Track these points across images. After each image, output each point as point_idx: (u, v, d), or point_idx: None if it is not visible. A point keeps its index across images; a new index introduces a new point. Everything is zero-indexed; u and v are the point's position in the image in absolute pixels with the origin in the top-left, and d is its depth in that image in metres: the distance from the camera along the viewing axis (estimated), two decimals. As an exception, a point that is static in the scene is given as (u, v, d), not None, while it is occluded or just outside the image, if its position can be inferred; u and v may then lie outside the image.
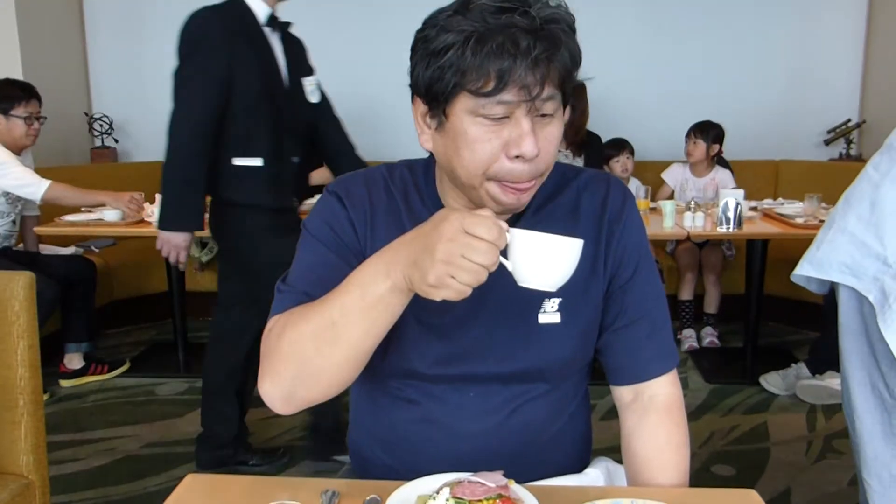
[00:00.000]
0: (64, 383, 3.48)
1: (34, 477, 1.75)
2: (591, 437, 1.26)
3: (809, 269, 1.45)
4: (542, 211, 1.11)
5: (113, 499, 2.50)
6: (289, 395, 0.99)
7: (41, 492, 1.77)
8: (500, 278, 1.08)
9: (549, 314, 1.10)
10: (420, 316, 1.08)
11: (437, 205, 1.10)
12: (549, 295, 1.09)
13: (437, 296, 0.86)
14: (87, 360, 3.54)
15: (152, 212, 3.44)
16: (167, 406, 3.29)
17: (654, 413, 1.14)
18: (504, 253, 0.88)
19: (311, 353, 0.95)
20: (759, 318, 3.61)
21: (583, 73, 1.01)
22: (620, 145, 4.15)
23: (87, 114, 4.88)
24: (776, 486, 2.56)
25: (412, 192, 1.12)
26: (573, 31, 0.97)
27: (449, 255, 0.83)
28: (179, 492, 1.07)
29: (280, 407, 1.01)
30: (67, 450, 2.86)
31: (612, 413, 1.20)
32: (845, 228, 1.39)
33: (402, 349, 1.09)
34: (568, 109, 1.02)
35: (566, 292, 1.10)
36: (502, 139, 0.96)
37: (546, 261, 0.90)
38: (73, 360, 3.50)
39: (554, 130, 0.99)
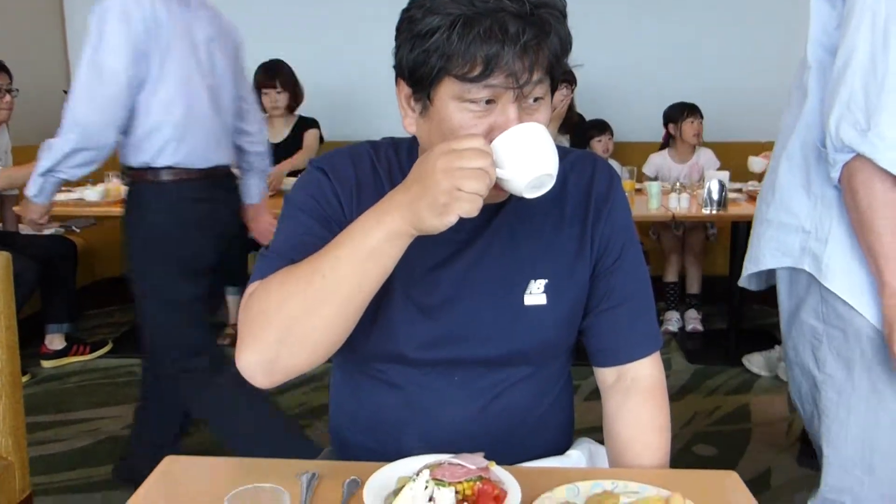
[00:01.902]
0: (45, 364, 3.45)
1: (13, 458, 1.74)
2: (574, 421, 1.26)
3: (748, 268, 1.51)
4: None
5: (95, 479, 2.49)
6: (272, 362, 0.94)
7: (21, 473, 1.75)
8: (487, 259, 1.08)
9: (535, 295, 1.09)
10: (406, 295, 1.07)
11: None
12: (535, 275, 1.09)
13: (452, 213, 0.86)
14: (69, 340, 3.51)
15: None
16: (150, 387, 3.27)
17: (637, 395, 1.13)
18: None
19: (299, 312, 0.92)
20: (742, 300, 3.63)
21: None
22: (601, 126, 4.14)
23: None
24: (757, 467, 2.59)
25: (396, 172, 1.11)
26: (564, 16, 0.95)
27: (449, 169, 0.84)
28: (157, 473, 1.06)
29: (261, 378, 0.96)
30: (49, 430, 2.84)
31: (596, 394, 1.19)
32: (764, 219, 1.47)
33: (388, 330, 1.08)
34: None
35: (552, 273, 1.09)
36: (487, 125, 0.94)
37: (529, 146, 0.92)
38: (55, 341, 3.47)
39: (542, 117, 0.97)
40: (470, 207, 0.86)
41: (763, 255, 1.47)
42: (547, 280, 1.09)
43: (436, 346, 1.09)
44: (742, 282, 1.57)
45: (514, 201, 1.08)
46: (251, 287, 1.00)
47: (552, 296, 1.09)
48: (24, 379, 3.23)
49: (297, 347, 0.94)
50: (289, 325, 0.93)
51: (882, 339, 1.30)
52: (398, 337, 1.09)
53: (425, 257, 1.07)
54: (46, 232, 3.83)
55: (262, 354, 0.94)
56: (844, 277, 1.32)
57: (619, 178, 1.16)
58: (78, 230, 4.10)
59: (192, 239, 2.23)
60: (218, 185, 2.29)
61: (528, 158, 0.92)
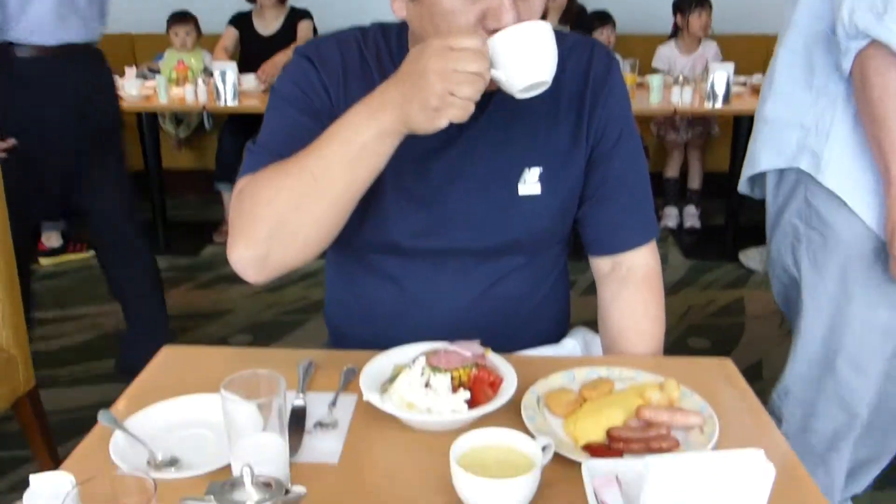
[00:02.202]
0: (44, 261, 3.45)
1: (15, 351, 1.75)
2: (570, 312, 1.26)
3: (746, 171, 1.48)
4: None
5: (99, 373, 2.54)
6: (263, 258, 0.94)
7: (24, 366, 1.78)
8: (480, 148, 1.05)
9: (530, 185, 1.06)
10: (398, 184, 1.05)
11: None
12: (530, 164, 1.06)
13: (443, 118, 0.84)
14: (65, 238, 3.50)
15: (122, 85, 3.32)
16: (149, 284, 3.29)
17: (632, 284, 1.13)
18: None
19: (289, 209, 0.91)
20: (742, 196, 3.60)
21: None
22: (604, 17, 3.99)
23: None
24: (748, 359, 2.64)
25: (385, 58, 1.06)
26: None
27: (443, 71, 0.81)
28: (156, 363, 1.07)
29: (253, 273, 0.97)
30: (51, 326, 2.87)
31: (592, 289, 1.19)
32: (761, 117, 1.42)
33: (379, 219, 1.06)
34: None
35: (547, 162, 1.06)
36: (479, 10, 0.90)
37: (530, 49, 0.88)
38: (51, 238, 3.46)
39: (536, 1, 0.93)
40: (461, 114, 0.83)
41: (760, 156, 1.43)
42: (541, 168, 1.06)
43: (428, 235, 1.07)
44: (742, 188, 1.54)
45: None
46: (241, 183, 0.99)
47: (546, 185, 1.07)
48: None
49: (287, 244, 0.94)
50: (279, 223, 0.92)
51: (860, 245, 1.29)
52: (390, 227, 1.07)
53: (416, 146, 1.03)
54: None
55: (253, 251, 0.94)
56: (843, 175, 1.29)
57: (617, 63, 1.12)
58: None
59: (43, 115, 2.19)
60: (71, 62, 2.24)
61: (526, 62, 0.88)
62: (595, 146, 1.09)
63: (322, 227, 0.94)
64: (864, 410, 1.42)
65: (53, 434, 1.89)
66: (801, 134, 1.34)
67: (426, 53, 0.83)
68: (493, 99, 1.04)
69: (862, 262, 1.31)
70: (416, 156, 1.04)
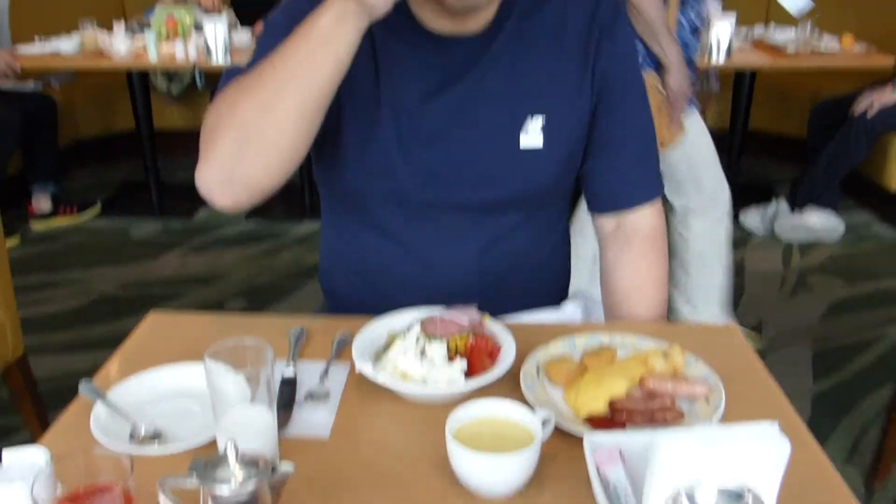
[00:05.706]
0: (35, 226, 3.40)
1: (4, 317, 1.72)
2: (571, 272, 1.23)
3: None
4: (528, 18, 1.01)
5: (92, 339, 2.50)
6: (228, 174, 0.87)
7: (13, 332, 1.74)
8: (480, 98, 1.00)
9: (532, 136, 1.02)
10: (397, 125, 1.00)
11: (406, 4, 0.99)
12: (533, 111, 1.01)
13: None
14: (55, 201, 3.44)
15: (110, 42, 3.24)
16: (142, 248, 3.24)
17: (637, 244, 1.09)
18: None
19: (252, 109, 0.84)
20: (741, 154, 3.54)
21: None
22: None
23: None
24: (748, 321, 2.60)
25: None
26: None
27: None
28: (141, 330, 1.04)
29: (219, 194, 0.89)
30: (43, 291, 2.83)
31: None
32: None
33: (376, 160, 1.01)
34: None
35: (550, 111, 1.02)
36: None
37: None
38: (41, 203, 3.39)
39: None
40: None
41: None
42: (544, 117, 1.02)
43: (424, 188, 1.02)
44: None
45: (512, 26, 1.00)
46: (211, 105, 0.92)
47: (549, 138, 1.02)
48: (15, 241, 3.19)
49: (252, 153, 0.85)
50: (241, 127, 0.85)
51: None
52: (386, 168, 1.02)
53: (415, 86, 1.00)
54: (26, 89, 3.67)
55: (217, 167, 0.87)
56: None
57: (624, 10, 1.06)
58: (56, 86, 3.92)
59: None
60: None
61: None
62: (600, 96, 1.04)
63: (288, 132, 0.85)
64: None
65: (45, 402, 1.86)
66: None
67: None
68: (498, 38, 1.00)
69: None
70: (415, 97, 1.00)
